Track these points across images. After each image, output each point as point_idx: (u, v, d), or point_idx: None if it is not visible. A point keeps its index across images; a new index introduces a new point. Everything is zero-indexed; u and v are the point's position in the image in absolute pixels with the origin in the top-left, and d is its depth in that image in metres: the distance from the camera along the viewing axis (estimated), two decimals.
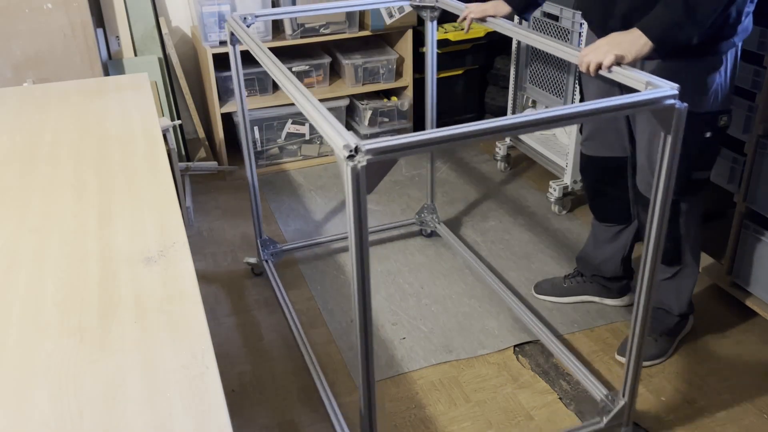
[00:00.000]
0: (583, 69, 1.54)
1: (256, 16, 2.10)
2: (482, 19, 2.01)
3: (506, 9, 1.99)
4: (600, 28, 1.76)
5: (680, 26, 1.49)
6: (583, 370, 1.90)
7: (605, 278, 2.21)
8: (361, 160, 1.12)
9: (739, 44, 1.67)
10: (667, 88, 1.35)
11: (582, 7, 1.87)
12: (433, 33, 2.31)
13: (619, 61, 1.49)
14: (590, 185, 2.12)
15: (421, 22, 3.30)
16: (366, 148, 1.12)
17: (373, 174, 1.15)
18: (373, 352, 1.31)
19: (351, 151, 1.12)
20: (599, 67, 1.51)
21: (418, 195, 3.02)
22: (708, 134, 1.70)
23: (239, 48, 2.09)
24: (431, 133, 1.20)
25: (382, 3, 2.33)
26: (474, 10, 2.02)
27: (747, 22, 1.64)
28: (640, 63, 1.69)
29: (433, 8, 2.25)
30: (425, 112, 2.46)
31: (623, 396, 1.71)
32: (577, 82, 2.71)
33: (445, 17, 2.57)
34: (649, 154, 1.79)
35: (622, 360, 2.03)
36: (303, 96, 1.39)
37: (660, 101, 1.34)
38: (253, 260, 2.48)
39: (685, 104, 1.34)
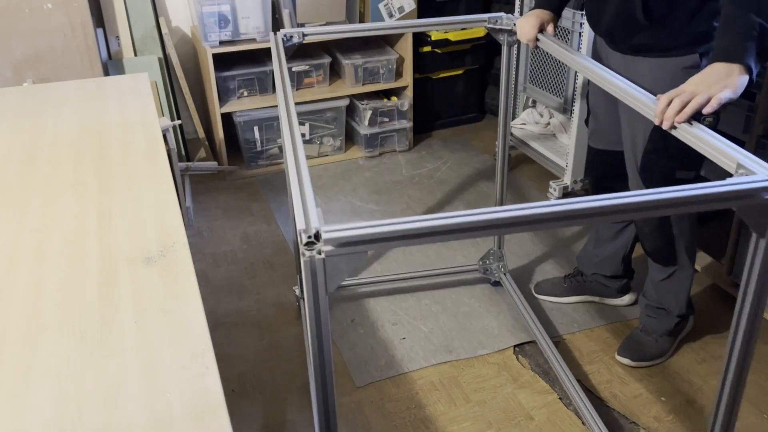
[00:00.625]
0: (666, 127, 1.32)
1: (305, 35, 1.86)
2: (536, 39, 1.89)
3: (548, 15, 1.88)
4: (595, 32, 1.84)
5: (762, 37, 1.34)
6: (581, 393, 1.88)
7: (605, 277, 2.21)
8: (320, 251, 0.91)
9: None
10: (763, 174, 1.03)
11: (586, 12, 1.90)
12: (510, 58, 2.08)
13: (703, 109, 1.31)
14: (595, 180, 2.13)
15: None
16: (328, 236, 0.90)
17: (336, 268, 0.91)
18: None
19: (310, 237, 0.91)
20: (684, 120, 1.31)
21: (418, 195, 3.03)
22: None
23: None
24: (408, 222, 0.95)
25: (454, 23, 2.12)
26: (525, 32, 1.88)
27: None
28: (630, 60, 1.73)
29: (511, 32, 1.99)
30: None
31: None
32: (577, 86, 2.70)
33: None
34: (632, 146, 1.80)
35: (623, 360, 2.03)
36: (294, 163, 1.19)
37: (756, 194, 1.02)
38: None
39: None
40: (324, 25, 3.09)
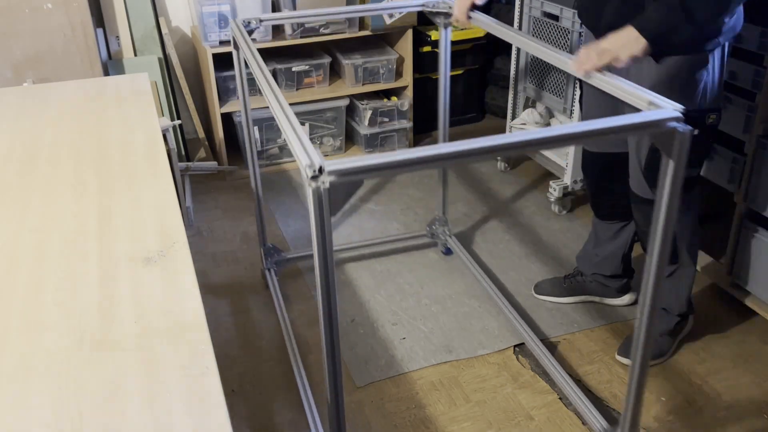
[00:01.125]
0: (580, 75, 1.54)
1: (261, 21, 2.05)
2: (468, 17, 2.01)
3: None
4: (593, 29, 1.80)
5: (677, 27, 1.50)
6: (575, 389, 1.89)
7: (605, 277, 2.21)
8: (325, 181, 1.09)
9: (726, 43, 1.68)
10: (670, 109, 1.27)
11: (577, 7, 1.88)
12: (446, 40, 2.22)
13: (613, 63, 1.50)
14: (592, 182, 2.12)
15: (421, 22, 3.30)
16: (329, 169, 1.09)
17: (337, 195, 1.13)
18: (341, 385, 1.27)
19: (315, 171, 1.09)
20: (596, 69, 1.51)
21: (419, 195, 3.02)
22: (695, 132, 1.71)
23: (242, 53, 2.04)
24: (395, 155, 1.13)
25: (392, 8, 2.24)
26: (456, 10, 2.01)
27: (734, 21, 1.65)
28: (632, 65, 1.71)
29: (447, 15, 2.15)
30: (438, 120, 2.37)
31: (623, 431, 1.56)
32: (577, 85, 2.70)
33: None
34: (637, 146, 1.80)
35: (623, 360, 2.03)
36: (280, 109, 1.37)
37: (661, 124, 1.25)
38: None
39: (690, 127, 1.26)
40: (324, 25, 3.09)
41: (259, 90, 3.16)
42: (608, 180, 2.05)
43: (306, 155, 1.13)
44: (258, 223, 2.36)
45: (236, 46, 2.03)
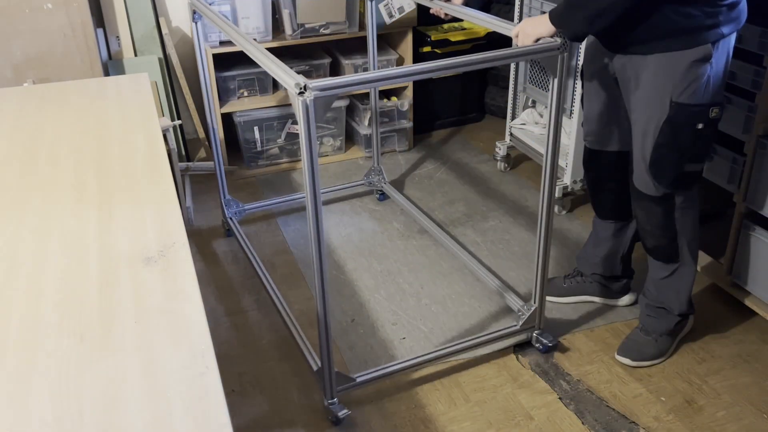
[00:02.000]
0: (520, 43, 1.79)
1: None
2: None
3: None
4: None
5: (574, 11, 1.65)
6: (498, 283, 2.26)
7: (605, 277, 2.21)
8: (310, 96, 1.42)
9: (730, 35, 1.68)
10: (556, 43, 1.67)
11: None
12: (372, 12, 2.56)
13: (538, 38, 1.72)
14: (592, 180, 2.12)
15: (421, 22, 3.30)
16: (313, 85, 1.42)
17: (319, 107, 1.44)
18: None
19: (301, 88, 1.41)
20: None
21: (419, 195, 3.03)
22: (699, 126, 1.72)
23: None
24: (367, 74, 1.61)
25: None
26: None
27: (736, 13, 1.65)
28: (629, 59, 1.75)
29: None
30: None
31: (534, 302, 2.05)
32: (577, 86, 2.71)
33: None
34: (642, 141, 1.80)
35: (623, 360, 2.03)
36: (254, 47, 1.74)
37: (548, 51, 1.68)
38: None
39: (567, 53, 1.67)
40: (324, 25, 3.09)
41: (258, 90, 3.17)
42: (609, 178, 2.05)
43: (291, 77, 1.45)
44: (217, 169, 2.66)
45: (195, 19, 2.27)
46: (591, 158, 2.07)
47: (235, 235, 2.66)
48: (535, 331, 2.08)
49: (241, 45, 1.83)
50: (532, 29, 1.71)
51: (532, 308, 2.04)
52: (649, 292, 2.03)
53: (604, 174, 2.06)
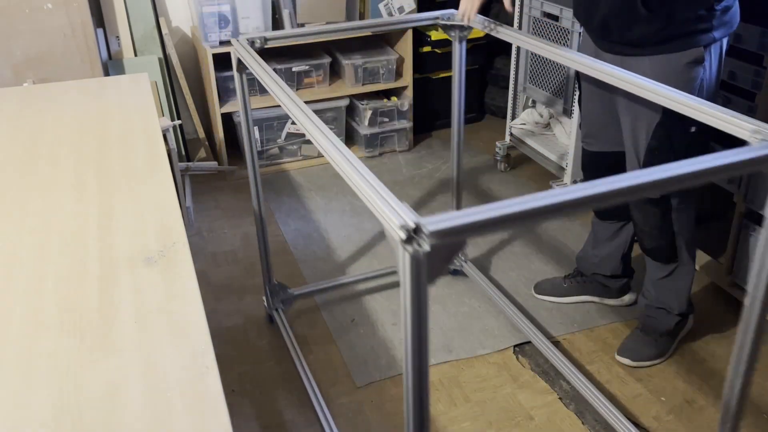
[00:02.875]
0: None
1: (267, 40, 1.82)
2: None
3: None
4: (585, 25, 1.83)
5: None
6: (581, 377, 1.92)
7: (605, 277, 2.21)
8: (424, 245, 0.86)
9: (722, 40, 1.68)
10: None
11: (573, 5, 1.88)
12: (461, 55, 2.10)
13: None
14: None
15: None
16: (430, 230, 0.85)
17: (437, 260, 0.88)
18: None
19: (409, 232, 0.87)
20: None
21: (419, 195, 3.03)
22: (693, 129, 1.72)
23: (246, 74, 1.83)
24: (509, 207, 0.91)
25: (406, 21, 2.20)
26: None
27: (729, 17, 1.65)
28: (621, 61, 1.73)
29: (462, 28, 2.04)
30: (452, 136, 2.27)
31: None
32: (576, 86, 2.71)
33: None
34: (634, 144, 1.80)
35: (623, 360, 2.03)
36: (355, 169, 1.13)
37: None
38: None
39: None
40: (324, 24, 3.09)
41: (258, 90, 3.17)
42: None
43: (395, 213, 0.92)
44: (262, 258, 2.16)
45: (241, 68, 1.80)
46: (590, 160, 2.07)
47: (281, 330, 2.19)
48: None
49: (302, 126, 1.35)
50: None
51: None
52: (648, 292, 2.03)
53: (602, 175, 2.04)
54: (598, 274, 2.22)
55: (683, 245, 1.91)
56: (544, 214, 0.93)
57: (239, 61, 1.76)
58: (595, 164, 2.06)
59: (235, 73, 1.84)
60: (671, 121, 1.70)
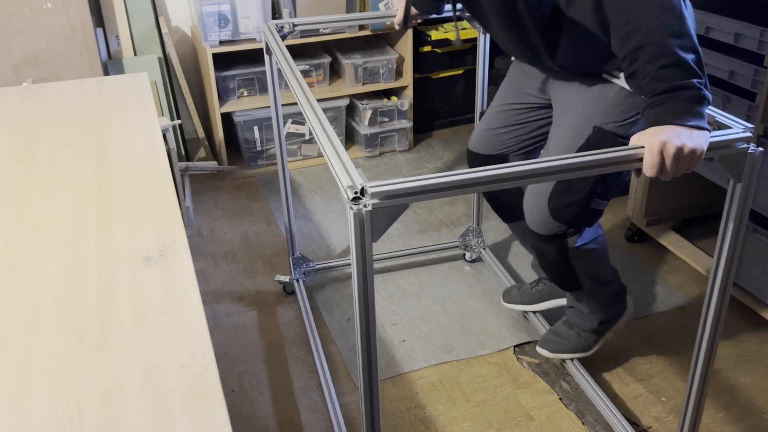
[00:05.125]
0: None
1: (295, 25, 2.00)
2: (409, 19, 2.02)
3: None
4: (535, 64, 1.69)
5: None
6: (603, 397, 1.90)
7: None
8: (367, 204, 1.02)
9: None
10: (740, 129, 1.16)
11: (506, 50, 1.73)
12: (485, 47, 2.17)
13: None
14: (490, 194, 2.00)
15: (420, 22, 3.30)
16: (372, 191, 1.02)
17: (379, 220, 1.04)
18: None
19: (356, 192, 1.02)
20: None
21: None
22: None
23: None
24: (443, 176, 1.07)
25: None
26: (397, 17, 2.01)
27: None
28: (543, 88, 1.67)
29: None
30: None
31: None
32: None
33: (445, 17, 2.56)
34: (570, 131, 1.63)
35: (541, 352, 1.97)
36: (321, 129, 1.30)
37: (730, 145, 1.15)
38: (285, 278, 2.37)
39: (761, 149, 1.16)
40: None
41: (258, 90, 3.17)
42: (506, 192, 1.93)
43: (346, 174, 1.08)
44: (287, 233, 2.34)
45: (269, 51, 1.96)
46: (478, 165, 1.76)
47: (299, 299, 2.31)
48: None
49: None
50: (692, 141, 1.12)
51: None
52: (567, 295, 1.94)
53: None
54: (545, 278, 2.10)
55: (587, 278, 1.78)
56: (463, 187, 1.10)
57: (267, 44, 1.94)
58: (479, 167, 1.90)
59: (265, 55, 2.01)
60: (597, 145, 1.54)
